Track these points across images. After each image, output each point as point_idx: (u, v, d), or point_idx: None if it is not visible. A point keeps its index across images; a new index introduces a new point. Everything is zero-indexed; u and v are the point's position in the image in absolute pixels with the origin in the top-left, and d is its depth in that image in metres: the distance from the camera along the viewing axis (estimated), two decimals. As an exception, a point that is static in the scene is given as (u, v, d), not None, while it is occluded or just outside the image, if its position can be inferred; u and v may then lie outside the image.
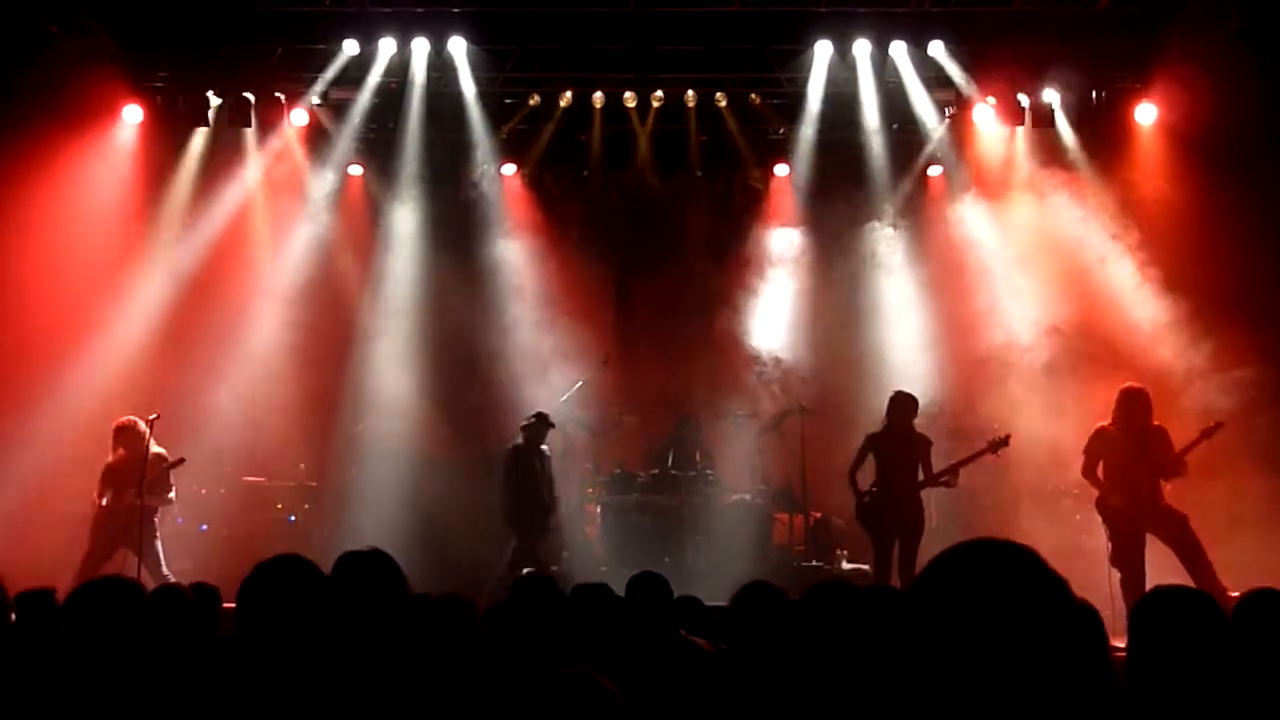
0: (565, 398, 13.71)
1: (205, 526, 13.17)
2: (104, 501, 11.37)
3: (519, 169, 14.98)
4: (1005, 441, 11.48)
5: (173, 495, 11.66)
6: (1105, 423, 10.78)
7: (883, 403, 11.73)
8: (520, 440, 12.55)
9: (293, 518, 13.62)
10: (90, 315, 13.13)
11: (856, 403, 13.56)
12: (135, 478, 11.25)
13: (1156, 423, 10.68)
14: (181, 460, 11.59)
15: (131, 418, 11.60)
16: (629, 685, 3.10)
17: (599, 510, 13.51)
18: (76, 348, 12.85)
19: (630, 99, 14.04)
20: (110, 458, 11.50)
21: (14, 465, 11.98)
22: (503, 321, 14.76)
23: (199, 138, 14.10)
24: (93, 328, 13.11)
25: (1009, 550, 1.83)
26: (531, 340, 14.40)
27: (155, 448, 11.50)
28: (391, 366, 14.37)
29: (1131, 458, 10.56)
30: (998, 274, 13.85)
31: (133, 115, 13.66)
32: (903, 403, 11.54)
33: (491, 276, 14.89)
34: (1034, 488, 12.68)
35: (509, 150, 14.75)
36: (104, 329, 13.24)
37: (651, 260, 15.04)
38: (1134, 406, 10.63)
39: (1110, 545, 10.61)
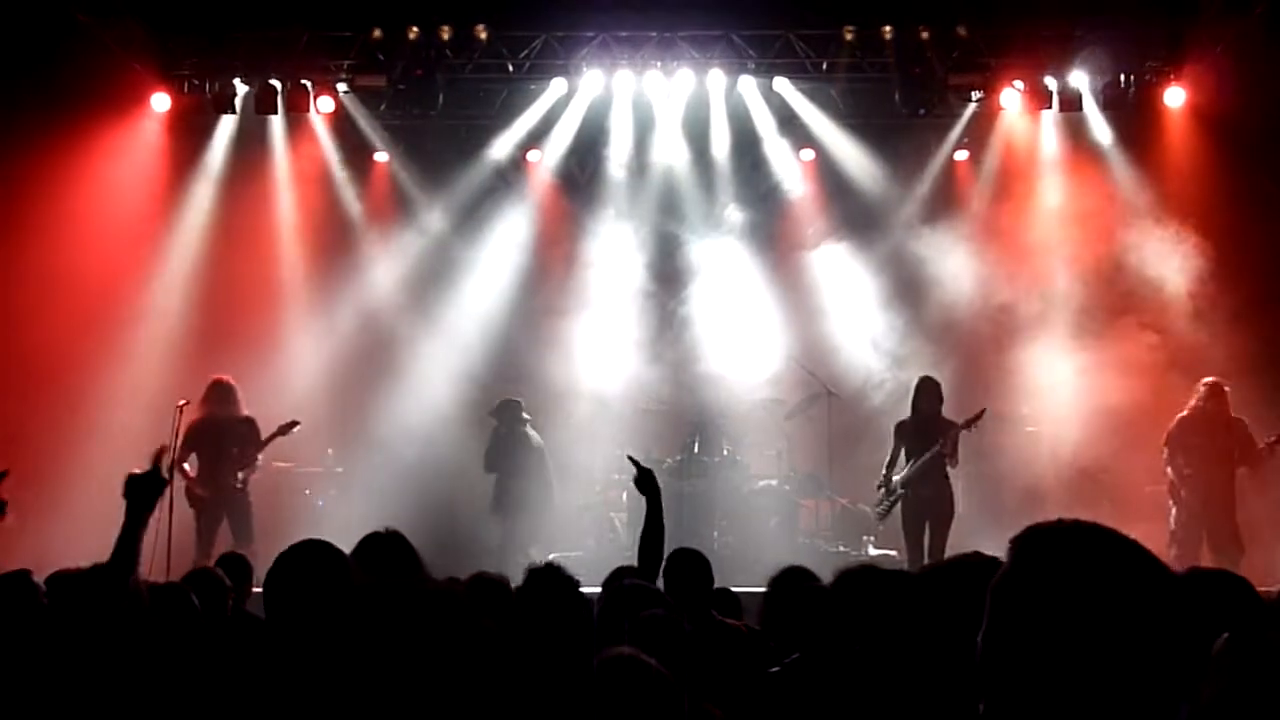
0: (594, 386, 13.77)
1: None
2: (191, 471, 11.52)
3: (544, 155, 15.01)
4: (979, 417, 11.40)
5: (260, 460, 11.82)
6: (1185, 413, 11.06)
7: (910, 387, 11.75)
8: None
9: (320, 502, 13.70)
10: (119, 304, 13.23)
11: (884, 387, 13.55)
12: (224, 444, 11.46)
13: (1235, 415, 11.07)
14: (293, 424, 11.73)
15: (226, 376, 11.78)
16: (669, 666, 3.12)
17: (625, 497, 13.51)
18: (106, 336, 12.94)
19: (656, 84, 14.02)
20: (194, 415, 11.56)
21: (46, 455, 12.04)
22: (531, 307, 14.79)
23: (226, 125, 14.18)
24: (122, 316, 13.18)
25: (1101, 533, 1.81)
26: (561, 325, 14.42)
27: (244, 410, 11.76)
28: (420, 353, 14.43)
29: (1208, 447, 10.92)
30: (1024, 258, 13.76)
31: (160, 103, 13.73)
32: (928, 388, 11.51)
33: (520, 262, 14.94)
34: (1061, 471, 12.64)
35: (534, 136, 14.81)
36: (133, 318, 13.31)
37: (678, 245, 15.01)
38: (1214, 399, 11.04)
39: (1172, 529, 10.82)
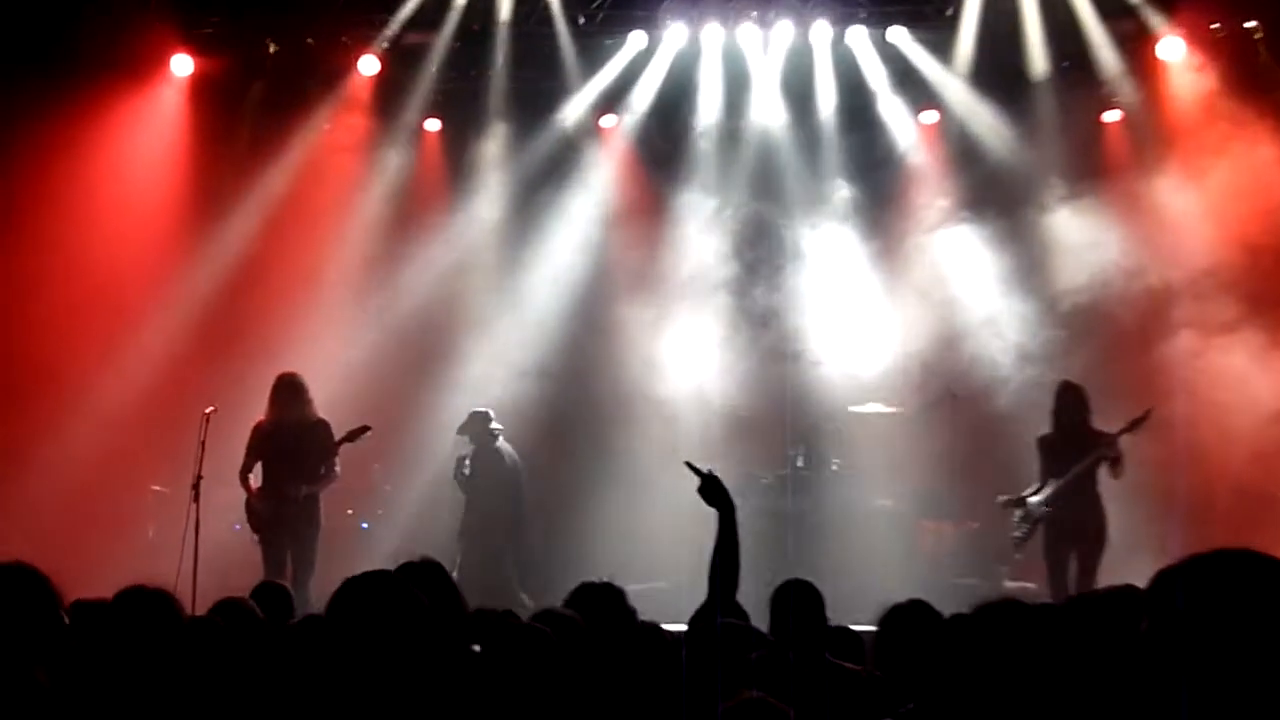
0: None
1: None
2: (255, 483, 11.16)
3: (621, 121, 14.86)
4: (1146, 417, 11.00)
5: (338, 470, 11.30)
6: None
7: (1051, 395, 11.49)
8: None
9: (365, 524, 13.73)
10: (134, 293, 13.32)
11: (1016, 386, 13.29)
12: (295, 453, 11.09)
13: None
14: (364, 430, 11.27)
15: (294, 371, 11.37)
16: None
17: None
18: (120, 330, 13.02)
19: (750, 37, 13.90)
20: (260, 418, 11.27)
21: (53, 469, 12.20)
22: (604, 295, 14.61)
23: (256, 90, 14.14)
24: (137, 307, 13.30)
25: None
26: (640, 317, 14.23)
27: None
28: (475, 349, 14.27)
29: None
30: (1185, 232, 13.40)
31: (182, 66, 13.78)
32: (1070, 394, 11.24)
33: (589, 243, 14.77)
34: (1237, 487, 12.35)
35: (609, 99, 14.68)
36: (150, 309, 13.44)
37: (776, 224, 14.86)
38: None
39: None
